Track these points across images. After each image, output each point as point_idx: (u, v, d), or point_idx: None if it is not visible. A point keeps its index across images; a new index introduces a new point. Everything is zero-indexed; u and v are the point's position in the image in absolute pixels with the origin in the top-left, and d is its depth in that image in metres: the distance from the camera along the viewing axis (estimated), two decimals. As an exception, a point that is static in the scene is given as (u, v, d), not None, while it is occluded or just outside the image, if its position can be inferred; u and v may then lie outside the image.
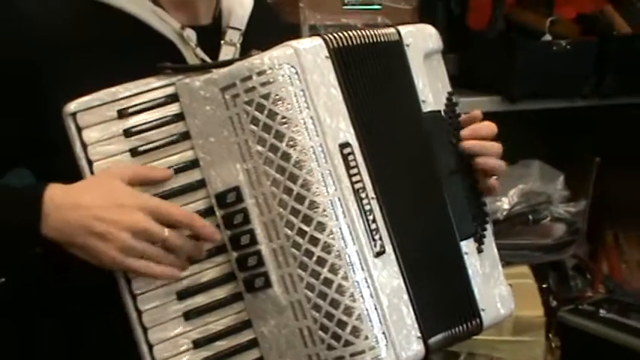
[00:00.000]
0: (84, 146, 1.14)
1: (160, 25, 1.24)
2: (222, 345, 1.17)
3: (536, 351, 1.87)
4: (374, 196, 1.15)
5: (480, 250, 1.28)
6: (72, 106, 1.14)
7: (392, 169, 1.19)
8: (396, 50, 1.24)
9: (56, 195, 1.12)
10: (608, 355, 1.87)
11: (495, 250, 1.33)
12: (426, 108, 1.25)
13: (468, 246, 1.26)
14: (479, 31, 2.39)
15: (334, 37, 1.17)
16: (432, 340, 1.17)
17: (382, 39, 1.23)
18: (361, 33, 1.21)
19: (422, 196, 1.23)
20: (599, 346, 1.88)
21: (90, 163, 1.14)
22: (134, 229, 1.10)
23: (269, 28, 1.39)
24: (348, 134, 1.15)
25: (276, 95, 1.12)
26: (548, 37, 2.35)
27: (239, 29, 1.31)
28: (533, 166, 2.45)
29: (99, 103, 1.15)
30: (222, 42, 1.29)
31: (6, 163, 1.26)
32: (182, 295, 1.16)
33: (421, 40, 1.28)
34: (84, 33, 1.21)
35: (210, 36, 1.29)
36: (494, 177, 1.32)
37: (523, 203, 2.37)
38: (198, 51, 1.26)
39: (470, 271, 1.25)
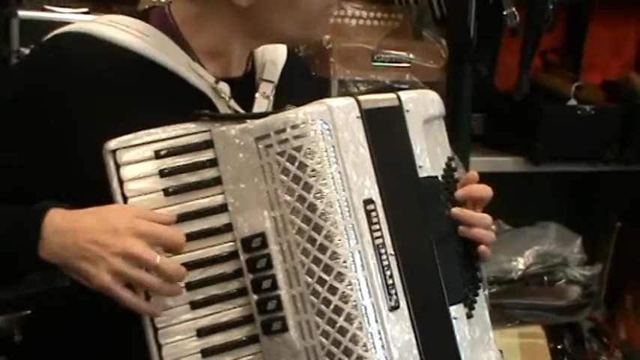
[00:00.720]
0: (120, 182, 1.20)
1: (195, 79, 1.29)
2: (235, 383, 1.21)
3: None
4: (392, 252, 1.20)
5: (469, 316, 1.31)
6: (112, 144, 1.20)
7: (406, 228, 1.24)
8: (397, 114, 1.28)
9: (56, 219, 1.18)
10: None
11: (487, 315, 1.36)
12: (422, 173, 1.29)
13: (457, 311, 1.29)
14: (505, 92, 2.44)
15: (366, 99, 1.22)
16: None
17: (384, 104, 1.27)
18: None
19: (423, 257, 1.27)
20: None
21: (125, 198, 1.20)
22: (126, 254, 1.14)
23: (300, 81, 1.44)
24: (373, 191, 1.20)
25: (308, 148, 1.17)
26: (573, 102, 2.40)
27: (272, 82, 1.37)
28: (550, 228, 2.49)
29: (138, 143, 1.21)
30: (256, 94, 1.35)
31: (30, 196, 1.30)
32: (201, 333, 1.20)
33: (422, 106, 1.32)
34: (123, 81, 1.26)
35: (243, 88, 1.34)
36: (484, 246, 1.34)
37: (539, 264, 2.40)
38: (232, 103, 1.31)
39: (457, 337, 1.27)
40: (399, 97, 1.29)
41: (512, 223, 2.43)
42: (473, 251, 1.34)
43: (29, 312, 1.32)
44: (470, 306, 1.32)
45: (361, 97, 1.23)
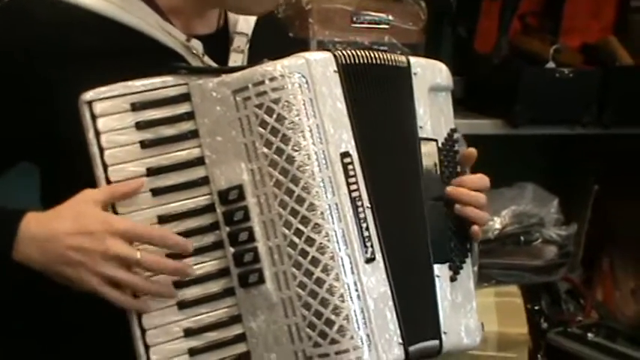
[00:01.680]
0: (97, 133, 1.19)
1: (165, 38, 1.29)
2: (211, 336, 1.21)
3: None
4: (369, 205, 1.21)
5: (453, 279, 1.32)
6: (88, 95, 1.19)
7: (386, 183, 1.25)
8: (402, 75, 1.30)
9: (31, 225, 1.18)
10: (594, 377, 1.93)
11: (472, 286, 1.37)
12: (422, 134, 1.31)
13: (441, 270, 1.30)
14: (485, 55, 2.44)
15: (343, 54, 1.23)
16: (413, 348, 1.22)
17: (392, 63, 1.29)
18: (370, 54, 1.27)
19: (407, 213, 1.28)
20: (586, 368, 1.95)
21: (101, 150, 1.19)
22: (106, 256, 1.14)
23: (275, 40, 1.44)
24: (349, 145, 1.21)
25: (286, 101, 1.17)
26: (552, 65, 2.40)
27: (246, 34, 1.36)
28: (527, 189, 2.50)
29: (114, 94, 1.20)
30: (230, 48, 1.34)
31: (6, 162, 1.32)
32: (177, 286, 1.21)
33: (429, 73, 1.34)
34: (92, 46, 1.26)
35: (216, 45, 1.34)
36: (476, 226, 1.35)
37: (515, 224, 2.41)
38: (206, 59, 1.31)
39: (438, 294, 1.29)
40: (408, 60, 1.31)
41: (491, 184, 2.44)
42: (466, 226, 1.35)
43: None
44: (455, 270, 1.33)
45: (340, 52, 1.23)
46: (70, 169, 1.23)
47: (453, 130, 1.38)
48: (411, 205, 1.29)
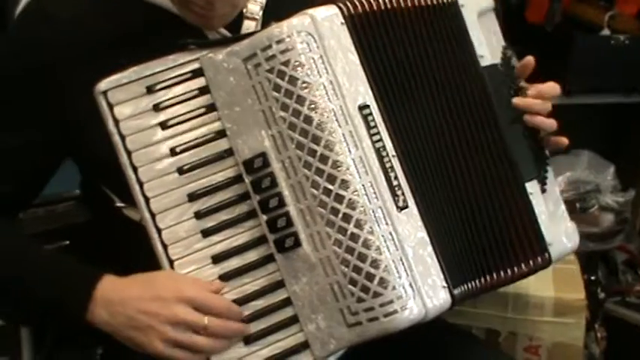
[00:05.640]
0: (116, 122, 1.20)
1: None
2: (258, 305, 1.22)
3: (576, 333, 1.91)
4: (394, 154, 1.20)
5: (543, 191, 1.34)
6: (102, 85, 1.20)
7: (414, 128, 1.24)
8: (451, 12, 1.30)
9: (106, 288, 1.21)
10: (653, 346, 1.91)
11: (557, 189, 1.40)
12: (484, 63, 1.32)
13: (532, 187, 1.32)
14: (536, 24, 2.39)
15: (348, 5, 1.21)
16: (458, 291, 1.21)
17: (434, 2, 1.28)
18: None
19: (469, 147, 1.28)
20: (644, 337, 1.94)
21: (123, 137, 1.20)
22: (174, 321, 1.18)
23: (294, 4, 1.43)
24: (367, 96, 1.20)
25: (296, 61, 1.16)
26: (606, 32, 2.34)
27: (260, 2, 1.35)
28: (583, 156, 2.47)
29: (127, 81, 1.21)
30: (243, 16, 1.34)
31: (46, 171, 1.34)
32: (217, 259, 1.22)
33: (473, 1, 1.33)
34: (115, 29, 1.27)
35: None
36: (546, 133, 1.37)
37: (571, 191, 2.38)
38: (222, 30, 1.30)
39: (536, 210, 1.31)
40: None
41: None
42: (537, 135, 1.37)
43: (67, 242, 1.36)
44: (543, 182, 1.35)
45: (345, 3, 1.22)
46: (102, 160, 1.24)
47: (505, 48, 1.38)
48: (485, 134, 1.29)
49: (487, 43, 1.33)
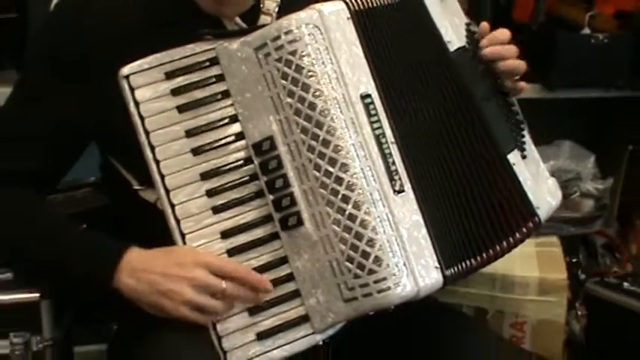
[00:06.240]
0: (136, 104, 1.29)
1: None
2: (263, 279, 1.30)
3: (559, 310, 2.07)
4: (393, 140, 1.27)
5: (523, 157, 1.41)
6: (125, 70, 1.29)
7: (412, 117, 1.31)
8: (415, 3, 1.37)
9: (132, 258, 1.31)
10: (630, 323, 2.00)
11: (534, 149, 1.47)
12: (452, 47, 1.38)
13: (514, 157, 1.39)
14: (522, 23, 2.51)
15: (355, 1, 1.29)
16: (450, 272, 1.28)
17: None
18: None
19: (455, 132, 1.35)
20: (622, 315, 2.03)
21: (142, 118, 1.29)
22: (195, 283, 1.26)
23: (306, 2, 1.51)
24: (369, 86, 1.28)
25: (302, 51, 1.25)
26: (587, 31, 2.46)
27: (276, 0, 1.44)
28: (564, 146, 2.58)
29: (149, 67, 1.30)
30: (260, 11, 1.43)
31: (77, 149, 1.44)
32: (225, 235, 1.30)
33: None
34: (141, 18, 1.38)
35: (249, 8, 1.43)
36: (516, 77, 1.44)
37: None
38: (238, 21, 1.40)
39: (521, 179, 1.37)
40: None
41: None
42: (508, 98, 1.43)
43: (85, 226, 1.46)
44: (522, 148, 1.42)
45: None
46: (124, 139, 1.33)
47: (468, 24, 1.45)
48: (464, 119, 1.35)
49: (452, 27, 1.39)
